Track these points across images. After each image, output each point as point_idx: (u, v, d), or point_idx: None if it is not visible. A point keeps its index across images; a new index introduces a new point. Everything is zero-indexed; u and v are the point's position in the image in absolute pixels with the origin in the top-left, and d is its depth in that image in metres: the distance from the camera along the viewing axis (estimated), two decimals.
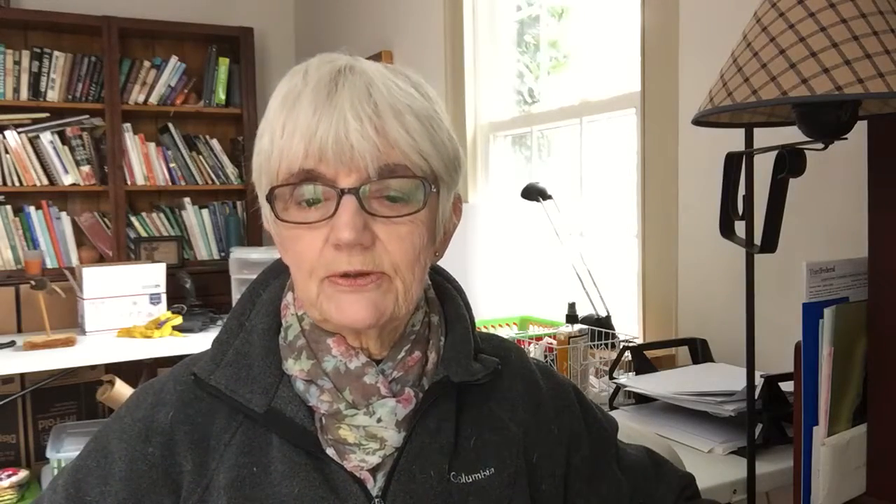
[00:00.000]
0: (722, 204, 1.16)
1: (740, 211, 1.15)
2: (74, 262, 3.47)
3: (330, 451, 0.69)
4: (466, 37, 2.71)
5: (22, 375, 2.85)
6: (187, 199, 3.78)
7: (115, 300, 2.86)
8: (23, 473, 2.65)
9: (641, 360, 1.61)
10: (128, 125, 3.57)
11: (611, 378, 1.57)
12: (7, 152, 3.34)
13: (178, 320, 2.83)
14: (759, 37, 0.96)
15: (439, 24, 2.81)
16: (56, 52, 3.44)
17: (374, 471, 0.70)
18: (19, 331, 2.99)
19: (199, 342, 2.70)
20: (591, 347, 1.72)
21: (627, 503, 0.84)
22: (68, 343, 2.61)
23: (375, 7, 3.31)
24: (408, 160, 0.66)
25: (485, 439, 0.75)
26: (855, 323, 1.09)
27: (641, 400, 1.55)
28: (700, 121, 1.09)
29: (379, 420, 0.69)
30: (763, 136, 1.20)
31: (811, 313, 1.05)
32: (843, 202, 1.45)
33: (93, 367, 2.90)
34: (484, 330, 0.84)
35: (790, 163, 1.03)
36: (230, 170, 3.82)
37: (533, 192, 2.12)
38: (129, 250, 3.58)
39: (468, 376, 0.74)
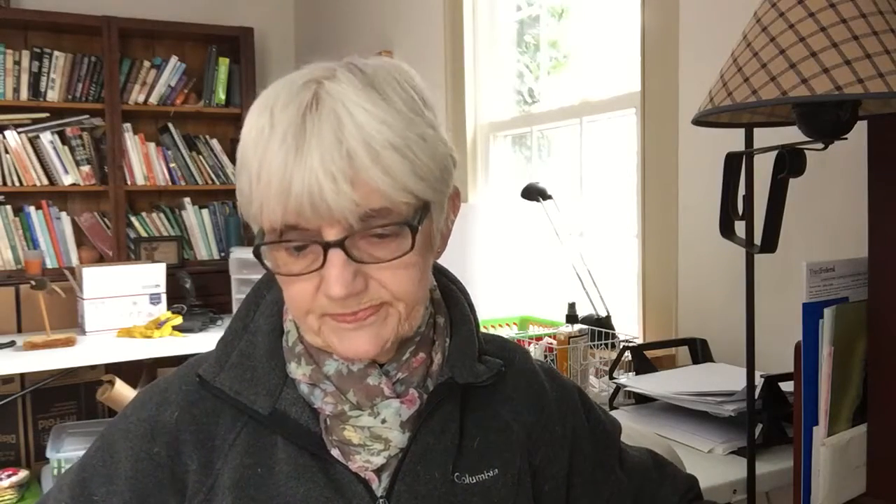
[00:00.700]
0: (722, 204, 1.16)
1: (740, 211, 1.15)
2: (74, 262, 3.47)
3: (335, 452, 0.69)
4: (466, 37, 2.71)
5: (22, 375, 2.85)
6: (187, 199, 3.78)
7: (115, 300, 2.86)
8: (23, 473, 2.65)
9: (641, 360, 1.61)
10: (128, 125, 3.57)
11: (611, 378, 1.57)
12: (7, 152, 3.34)
13: (178, 320, 2.83)
14: (759, 37, 0.96)
15: (439, 24, 2.81)
16: (56, 52, 3.44)
17: (378, 471, 0.70)
18: (19, 331, 2.99)
19: (199, 342, 2.70)
20: (591, 347, 1.72)
21: None
22: (68, 343, 2.61)
23: (375, 7, 3.31)
24: (390, 202, 0.62)
25: (489, 440, 0.75)
26: (855, 323, 1.09)
27: (641, 400, 1.55)
28: (700, 121, 1.09)
29: (383, 421, 0.69)
30: (763, 136, 1.20)
31: (811, 313, 1.05)
32: (843, 202, 1.45)
33: (93, 367, 2.90)
34: (484, 330, 0.84)
35: (790, 163, 1.03)
36: (230, 170, 3.82)
37: (533, 192, 2.12)
38: (129, 250, 3.58)
39: (472, 378, 0.74)
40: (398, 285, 0.65)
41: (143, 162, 3.61)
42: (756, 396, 1.24)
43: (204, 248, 3.79)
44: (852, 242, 1.30)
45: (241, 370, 0.71)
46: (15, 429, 2.92)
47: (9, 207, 3.40)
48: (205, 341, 2.70)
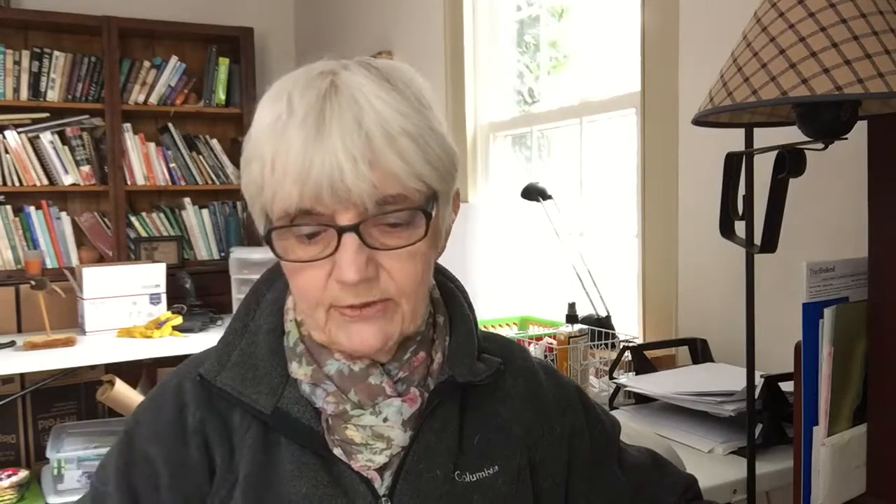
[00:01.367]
0: (722, 204, 1.16)
1: (740, 211, 1.15)
2: (74, 262, 3.47)
3: (337, 451, 0.70)
4: (466, 37, 2.71)
5: (22, 375, 2.84)
6: (187, 199, 3.78)
7: (115, 300, 2.86)
8: (23, 473, 2.64)
9: (641, 360, 1.61)
10: (128, 125, 3.57)
11: (611, 378, 1.57)
12: (7, 152, 3.34)
13: (178, 320, 2.82)
14: (759, 37, 0.96)
15: (439, 24, 2.81)
16: (56, 52, 3.44)
17: (380, 470, 0.70)
18: (19, 331, 2.99)
19: (199, 342, 2.70)
20: (591, 347, 1.72)
21: (629, 503, 0.84)
22: (68, 343, 2.61)
23: (375, 7, 3.31)
24: (405, 188, 0.63)
25: (488, 438, 0.75)
26: (855, 323, 1.09)
27: (641, 400, 1.55)
28: (700, 121, 1.09)
29: (385, 420, 0.69)
30: (763, 136, 1.20)
31: (811, 313, 1.05)
32: (843, 202, 1.45)
33: (93, 367, 2.90)
34: (483, 330, 0.84)
35: (790, 163, 1.03)
36: (230, 170, 3.82)
37: (533, 192, 2.12)
38: (129, 250, 3.57)
39: (472, 376, 0.74)
40: (405, 278, 0.66)
41: (143, 162, 3.61)
42: (756, 396, 1.24)
43: (204, 248, 3.79)
44: (852, 242, 1.30)
45: (243, 369, 0.71)
46: (15, 429, 2.92)
47: (9, 207, 3.40)
48: (205, 341, 2.70)
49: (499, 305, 2.51)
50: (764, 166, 1.11)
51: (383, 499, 0.69)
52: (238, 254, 3.18)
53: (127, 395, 2.52)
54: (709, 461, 1.28)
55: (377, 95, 0.63)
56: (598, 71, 2.29)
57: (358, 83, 0.64)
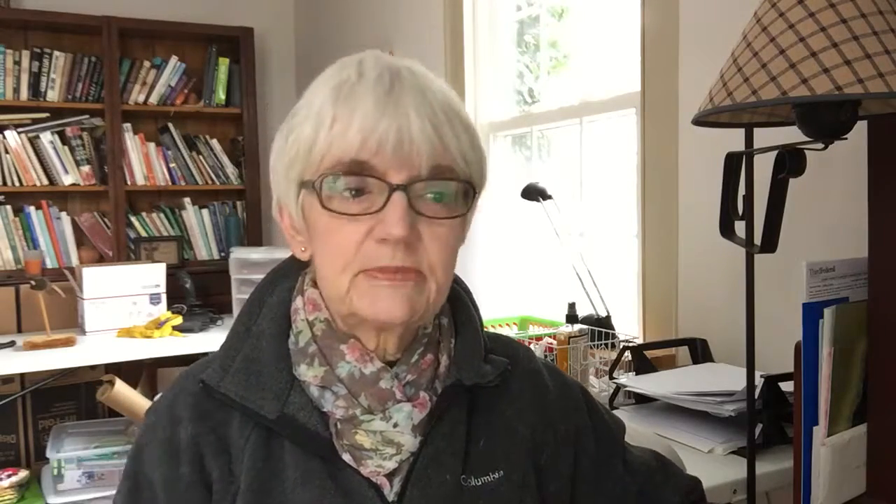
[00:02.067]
0: (722, 204, 1.16)
1: (740, 211, 1.15)
2: (74, 262, 3.47)
3: (346, 457, 0.69)
4: (466, 37, 2.71)
5: (22, 375, 2.84)
6: (187, 199, 3.78)
7: (115, 300, 2.86)
8: (23, 473, 2.64)
9: (641, 360, 1.61)
10: (128, 125, 3.57)
11: (611, 378, 1.57)
12: (7, 152, 3.34)
13: (178, 320, 2.82)
14: (759, 37, 0.96)
15: (439, 24, 2.81)
16: (56, 52, 3.43)
17: (390, 476, 0.69)
18: (19, 331, 2.99)
19: (199, 342, 2.70)
20: (591, 347, 1.72)
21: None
22: (68, 343, 2.61)
23: (375, 7, 3.31)
24: (455, 164, 0.67)
25: (494, 442, 0.75)
26: (855, 323, 1.09)
27: (641, 400, 1.55)
28: (700, 121, 1.09)
29: (395, 425, 0.69)
30: (763, 136, 1.20)
31: (811, 313, 1.05)
32: (843, 202, 1.45)
33: (93, 367, 2.90)
34: (488, 330, 0.84)
35: (790, 163, 1.03)
36: (230, 170, 3.82)
37: (533, 192, 2.12)
38: (129, 250, 3.57)
39: (479, 378, 0.74)
40: (439, 254, 0.67)
41: (143, 162, 3.61)
42: (756, 396, 1.24)
43: (204, 248, 3.79)
44: (852, 242, 1.30)
45: (247, 375, 0.70)
46: (15, 429, 2.92)
47: (9, 207, 3.40)
48: (205, 341, 2.70)
49: (499, 305, 2.51)
50: (764, 166, 1.11)
51: None
52: (238, 254, 3.18)
53: (127, 395, 2.52)
54: (709, 461, 1.28)
55: (439, 85, 0.69)
56: (598, 71, 2.29)
57: (423, 71, 0.70)
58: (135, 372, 2.94)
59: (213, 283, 3.40)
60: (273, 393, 0.69)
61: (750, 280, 1.18)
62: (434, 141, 0.65)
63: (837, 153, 1.09)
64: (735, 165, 1.15)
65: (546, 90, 2.56)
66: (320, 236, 0.68)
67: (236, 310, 3.10)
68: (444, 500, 0.70)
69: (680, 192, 1.82)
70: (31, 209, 3.44)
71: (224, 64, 3.78)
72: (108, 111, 3.49)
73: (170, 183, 3.66)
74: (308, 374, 0.70)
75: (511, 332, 2.12)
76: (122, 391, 2.51)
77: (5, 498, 2.53)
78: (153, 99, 3.63)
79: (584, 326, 1.75)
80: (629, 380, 1.55)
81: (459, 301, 0.79)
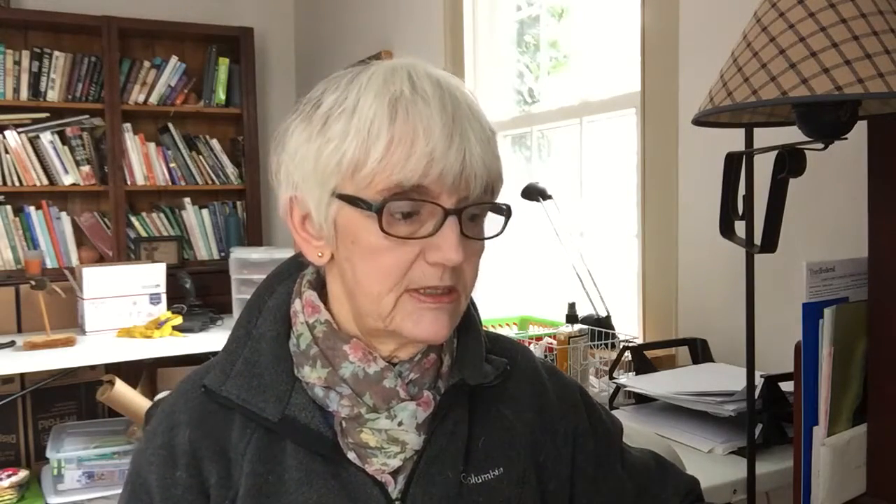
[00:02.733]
0: (722, 204, 1.16)
1: (740, 211, 1.15)
2: (74, 262, 3.47)
3: (351, 456, 0.70)
4: (466, 37, 2.71)
5: (22, 375, 2.84)
6: (187, 199, 3.78)
7: (115, 300, 2.86)
8: (23, 473, 2.65)
9: (641, 360, 1.60)
10: (128, 125, 3.57)
11: (611, 378, 1.57)
12: (7, 152, 3.34)
13: (178, 320, 2.82)
14: (759, 37, 0.96)
15: (439, 25, 2.81)
16: (56, 52, 3.44)
17: (394, 474, 0.70)
18: (19, 331, 2.99)
19: (199, 342, 2.70)
20: (591, 347, 1.72)
21: (632, 503, 0.84)
22: (68, 343, 2.61)
23: (375, 7, 3.31)
24: (496, 184, 0.68)
25: (493, 440, 0.75)
26: (855, 323, 1.09)
27: (641, 400, 1.55)
28: (700, 121, 1.09)
29: (400, 423, 0.69)
30: (763, 136, 1.20)
31: (811, 313, 1.05)
32: (843, 202, 1.45)
33: (93, 367, 2.90)
34: (487, 330, 0.84)
35: (790, 163, 1.03)
36: (230, 170, 3.82)
37: (533, 192, 2.12)
38: (129, 250, 3.58)
39: (482, 378, 0.75)
40: (472, 272, 0.69)
41: (143, 162, 3.61)
42: (756, 396, 1.24)
43: (204, 248, 3.79)
44: (852, 242, 1.30)
45: (248, 378, 0.70)
46: (15, 429, 2.92)
47: (9, 207, 3.40)
48: (205, 341, 2.70)
49: (499, 305, 2.51)
50: (764, 166, 1.11)
51: (396, 503, 0.69)
52: (238, 254, 3.18)
53: (127, 395, 2.52)
54: (709, 461, 1.28)
55: (471, 95, 0.69)
56: (598, 71, 2.29)
57: (456, 81, 0.69)
58: (135, 372, 2.95)
59: (213, 283, 3.40)
60: (274, 395, 0.69)
61: (750, 280, 1.18)
62: (490, 166, 0.66)
63: (837, 153, 1.09)
64: (735, 165, 1.15)
65: (546, 90, 2.56)
66: (365, 255, 0.66)
67: (236, 310, 3.10)
68: (446, 497, 0.70)
69: (680, 192, 1.82)
70: (31, 209, 3.44)
71: (224, 64, 3.78)
72: (108, 111, 3.49)
73: (170, 183, 3.67)
74: (312, 375, 0.70)
75: (511, 332, 2.12)
76: (122, 391, 2.51)
77: (5, 498, 2.53)
78: (153, 99, 3.63)
79: (584, 326, 1.75)
80: (629, 380, 1.55)
81: None
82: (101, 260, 3.54)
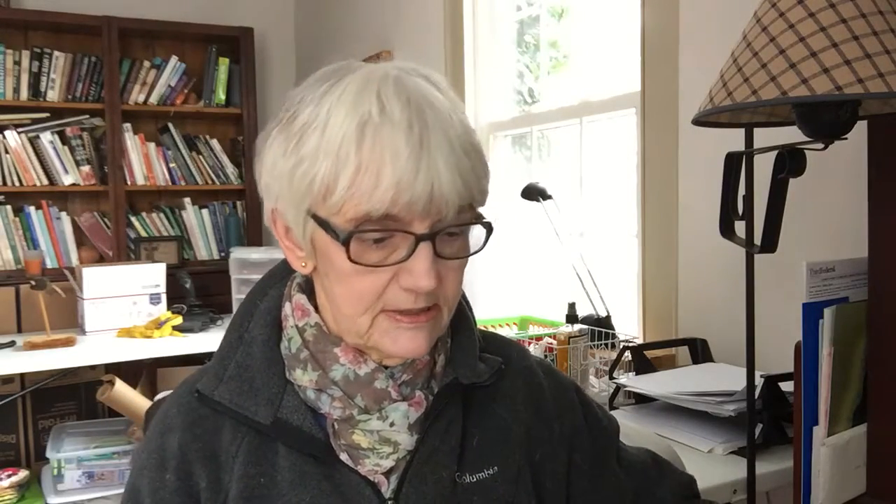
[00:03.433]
0: (722, 204, 1.16)
1: (740, 211, 1.15)
2: (74, 262, 3.47)
3: (343, 457, 0.70)
4: (466, 37, 2.71)
5: (22, 375, 2.84)
6: (187, 199, 3.78)
7: (115, 300, 2.86)
8: (23, 473, 2.64)
9: (641, 360, 1.61)
10: (128, 125, 3.57)
11: (611, 378, 1.57)
12: (7, 152, 3.34)
13: (178, 320, 2.82)
14: (759, 37, 0.96)
15: (439, 25, 2.82)
16: (56, 52, 3.43)
17: (387, 474, 0.70)
18: (19, 331, 2.99)
19: (199, 342, 2.70)
20: (591, 347, 1.72)
21: (629, 502, 0.84)
22: (68, 343, 2.61)
23: (375, 7, 3.31)
24: (474, 200, 0.66)
25: (488, 439, 0.75)
26: (855, 323, 1.09)
27: (641, 400, 1.55)
28: (700, 121, 1.09)
29: (392, 424, 0.69)
30: (763, 136, 1.20)
31: (811, 313, 1.05)
32: (843, 202, 1.45)
33: (93, 367, 2.90)
34: (483, 329, 0.84)
35: (790, 163, 1.03)
36: (230, 170, 3.82)
37: (533, 192, 2.12)
38: (129, 250, 3.58)
39: (475, 378, 0.75)
40: (454, 286, 0.68)
41: (143, 162, 3.61)
42: (756, 396, 1.24)
43: (204, 248, 3.79)
44: (852, 242, 1.30)
45: (240, 382, 0.71)
46: (15, 429, 2.92)
47: (9, 207, 3.40)
48: (205, 341, 2.70)
49: (499, 305, 2.51)
50: (764, 166, 1.11)
51: (389, 502, 0.69)
52: (238, 254, 3.18)
53: (127, 395, 2.52)
54: (709, 461, 1.28)
55: (451, 109, 0.66)
56: (598, 71, 2.29)
57: (432, 94, 0.66)
58: (135, 372, 2.94)
59: (213, 283, 3.40)
60: (266, 398, 0.70)
61: (750, 280, 1.18)
62: (460, 189, 0.63)
63: (837, 153, 1.09)
64: (735, 165, 1.15)
65: (546, 90, 2.56)
66: (340, 277, 0.66)
67: (236, 310, 3.10)
68: (440, 497, 0.70)
69: (680, 193, 1.82)
70: (31, 209, 3.44)
71: (224, 64, 3.78)
72: (108, 111, 3.49)
73: (170, 183, 3.66)
74: (303, 378, 0.70)
75: (511, 332, 2.12)
76: (122, 391, 2.51)
77: (5, 498, 2.53)
78: (153, 99, 3.63)
79: (584, 326, 1.75)
80: (629, 380, 1.55)
81: None
82: (101, 260, 3.54)
